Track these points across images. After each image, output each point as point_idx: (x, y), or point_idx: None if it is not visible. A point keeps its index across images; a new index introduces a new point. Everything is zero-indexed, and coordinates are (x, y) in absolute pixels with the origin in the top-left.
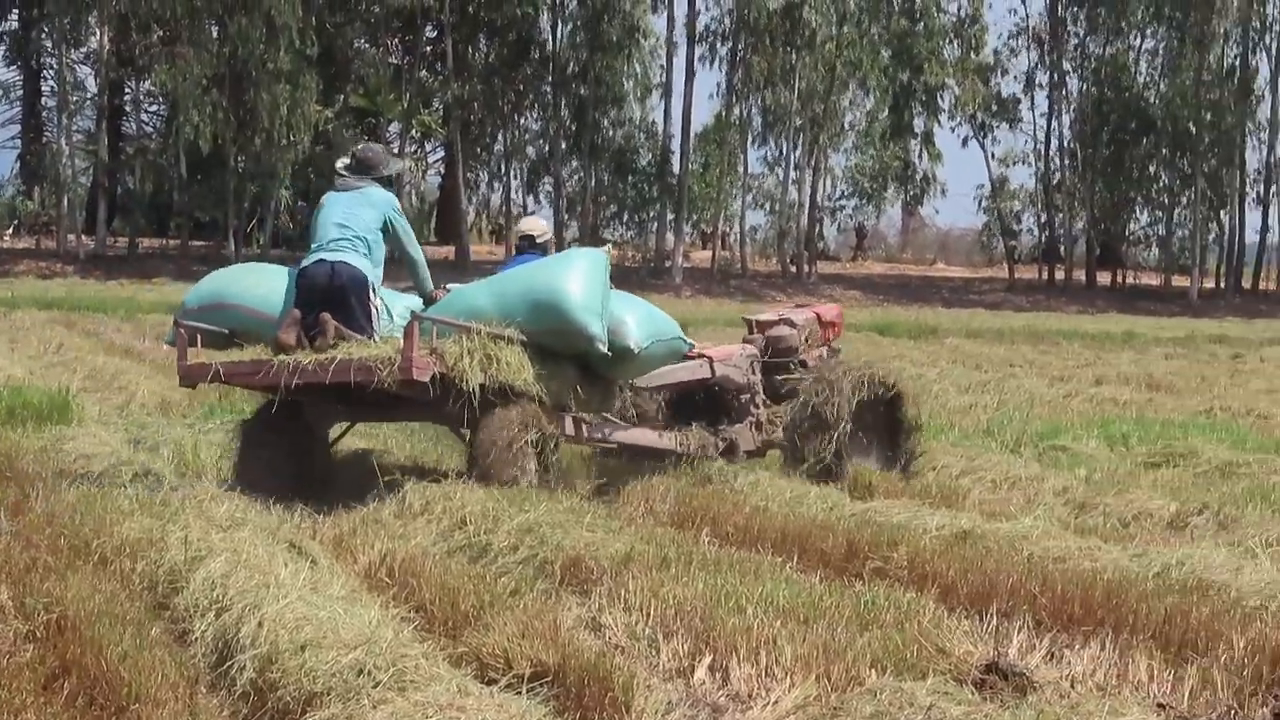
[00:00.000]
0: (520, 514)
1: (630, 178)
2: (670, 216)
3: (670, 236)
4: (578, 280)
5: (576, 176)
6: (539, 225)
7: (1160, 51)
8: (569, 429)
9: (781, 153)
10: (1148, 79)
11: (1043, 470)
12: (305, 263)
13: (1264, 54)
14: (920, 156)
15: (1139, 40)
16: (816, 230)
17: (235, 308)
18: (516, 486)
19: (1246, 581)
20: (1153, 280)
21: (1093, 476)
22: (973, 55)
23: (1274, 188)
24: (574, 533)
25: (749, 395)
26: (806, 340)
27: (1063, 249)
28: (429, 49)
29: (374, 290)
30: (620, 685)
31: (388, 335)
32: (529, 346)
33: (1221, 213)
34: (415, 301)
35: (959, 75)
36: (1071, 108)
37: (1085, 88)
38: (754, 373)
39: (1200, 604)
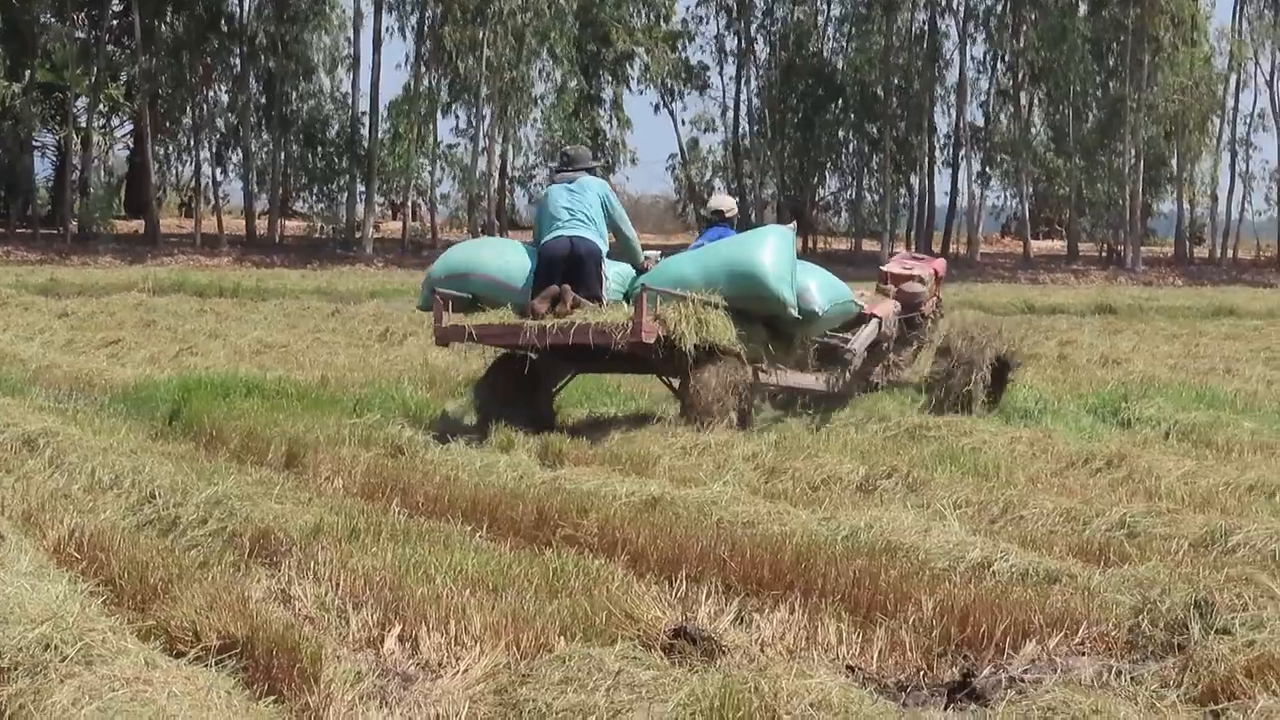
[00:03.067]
0: (209, 487)
1: (320, 149)
2: (360, 188)
3: (360, 208)
4: (771, 253)
5: (266, 149)
6: (727, 202)
7: (848, 17)
8: (751, 378)
9: (471, 123)
10: (836, 45)
11: (732, 435)
12: (545, 238)
13: (952, 18)
14: (610, 124)
15: (827, 6)
16: (507, 200)
17: (479, 277)
18: (716, 428)
19: (935, 543)
20: (843, 245)
21: (782, 441)
22: (662, 24)
23: (963, 151)
24: (263, 505)
25: (888, 343)
26: (929, 293)
27: (753, 214)
28: (116, 23)
29: (604, 260)
30: (309, 656)
31: (612, 299)
32: (729, 310)
33: (911, 177)
34: (626, 269)
35: (648, 43)
36: (760, 74)
37: (773, 54)
38: (894, 325)
39: (889, 566)
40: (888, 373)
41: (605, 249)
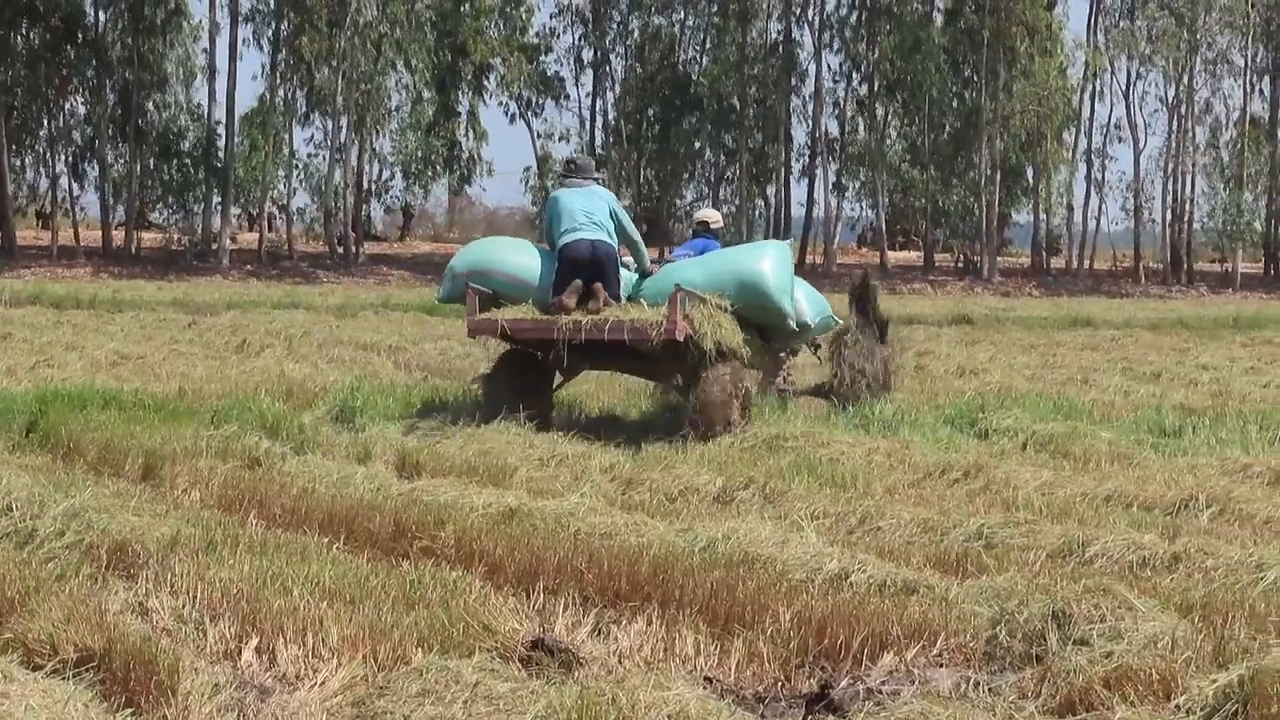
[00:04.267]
0: (67, 499)
1: (175, 160)
2: (217, 199)
3: (217, 219)
4: (773, 265)
5: (122, 160)
6: (714, 215)
7: (705, 28)
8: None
9: (326, 134)
10: (693, 55)
11: (590, 446)
12: (564, 241)
13: (808, 29)
14: (466, 136)
15: (683, 16)
16: (364, 211)
17: (499, 274)
18: (724, 432)
19: (792, 554)
20: None
21: (639, 452)
22: (519, 35)
23: (819, 162)
24: (120, 517)
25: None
26: None
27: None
28: None
29: (619, 263)
30: (166, 668)
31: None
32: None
33: (768, 187)
34: (630, 275)
35: (505, 54)
36: (616, 85)
37: (629, 65)
38: None
39: (747, 578)
40: (784, 380)
41: (618, 253)
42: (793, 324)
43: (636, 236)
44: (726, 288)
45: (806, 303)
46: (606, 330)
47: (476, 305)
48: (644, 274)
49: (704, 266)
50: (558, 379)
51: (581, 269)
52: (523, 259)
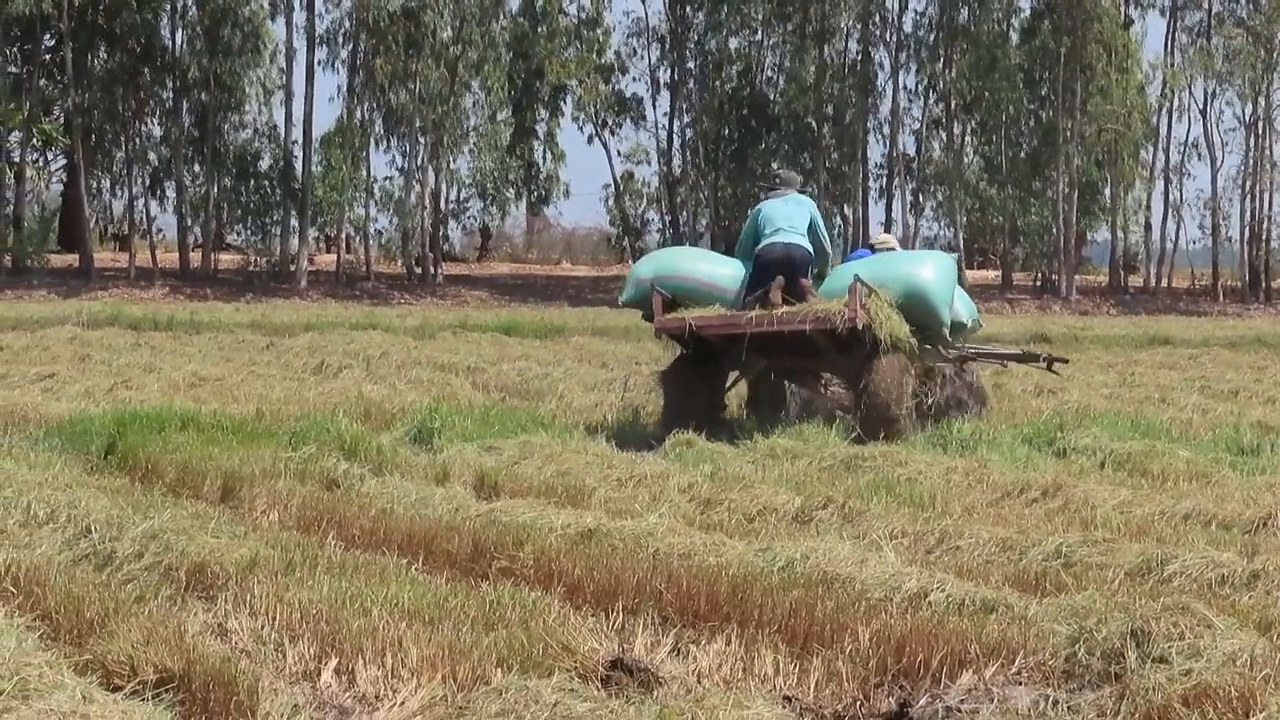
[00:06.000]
0: (145, 521)
1: (253, 182)
2: (294, 221)
3: (294, 240)
4: (937, 273)
5: (199, 182)
6: (888, 238)
7: (782, 48)
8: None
9: (404, 155)
10: (770, 75)
11: (668, 466)
12: (763, 244)
13: (884, 48)
14: (544, 157)
15: (761, 37)
16: (441, 232)
17: (684, 279)
18: (896, 425)
19: (871, 574)
20: None
21: (718, 472)
22: (595, 56)
23: (896, 181)
24: (199, 539)
25: None
26: None
27: (687, 246)
28: (48, 57)
29: (812, 268)
30: (245, 689)
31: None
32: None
33: (845, 207)
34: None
35: (581, 75)
36: (693, 106)
37: (707, 85)
38: None
39: (825, 597)
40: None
41: (813, 257)
42: (945, 330)
43: (828, 245)
44: (892, 289)
45: (963, 307)
46: (796, 321)
47: (662, 306)
48: (822, 276)
49: (871, 268)
50: (729, 379)
51: (775, 270)
52: (707, 265)
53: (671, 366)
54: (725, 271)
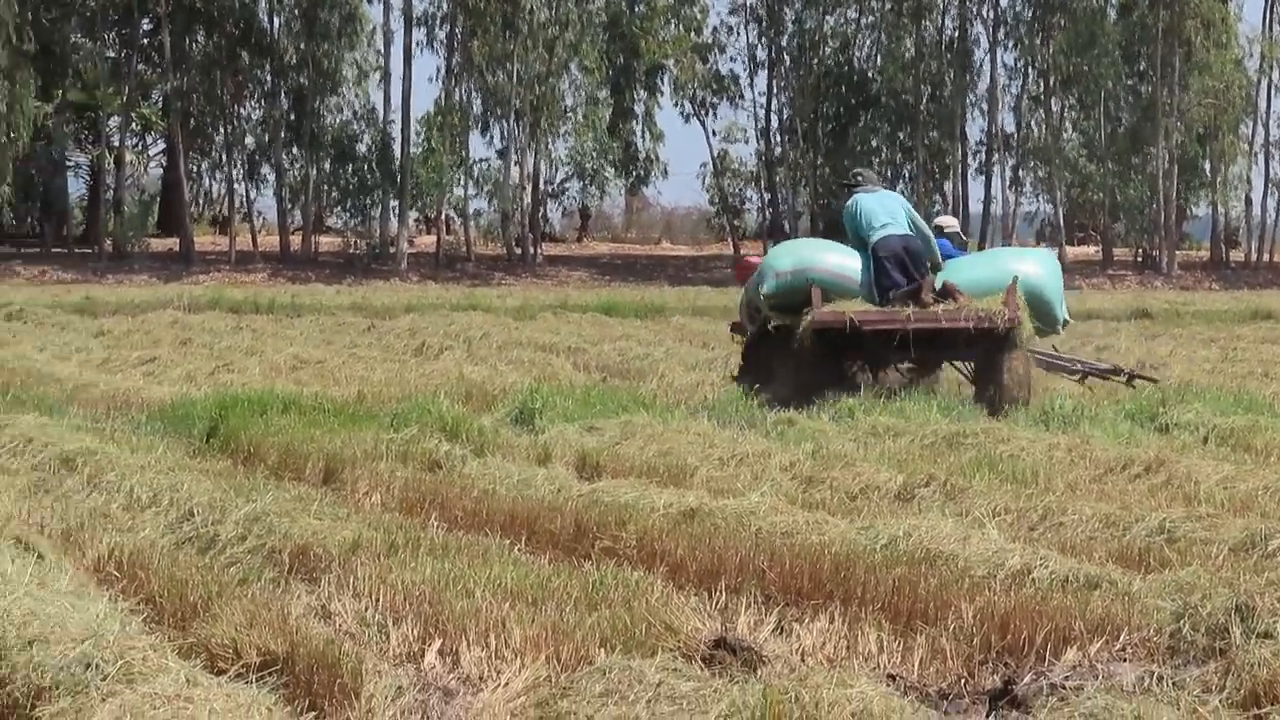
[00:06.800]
0: (248, 504)
1: (351, 164)
2: (393, 203)
3: (394, 222)
4: (1051, 272)
5: (298, 164)
6: (951, 221)
7: (879, 26)
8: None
9: (503, 136)
10: (867, 53)
11: (770, 445)
12: (876, 238)
13: (982, 25)
14: (642, 137)
15: (858, 14)
16: (540, 213)
17: (821, 271)
18: (1015, 405)
19: (974, 551)
20: None
21: (820, 451)
22: (692, 35)
23: (995, 158)
24: (301, 521)
25: None
26: None
27: (786, 225)
28: (146, 41)
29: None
30: (349, 671)
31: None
32: None
33: (945, 184)
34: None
35: (678, 54)
36: (791, 84)
37: (804, 63)
38: None
39: (928, 575)
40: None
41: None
42: (1060, 328)
43: (930, 234)
44: (1005, 285)
45: (1060, 303)
46: (960, 319)
47: (821, 300)
48: (936, 268)
49: (987, 266)
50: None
51: (896, 263)
52: (838, 257)
53: (793, 351)
54: (854, 264)
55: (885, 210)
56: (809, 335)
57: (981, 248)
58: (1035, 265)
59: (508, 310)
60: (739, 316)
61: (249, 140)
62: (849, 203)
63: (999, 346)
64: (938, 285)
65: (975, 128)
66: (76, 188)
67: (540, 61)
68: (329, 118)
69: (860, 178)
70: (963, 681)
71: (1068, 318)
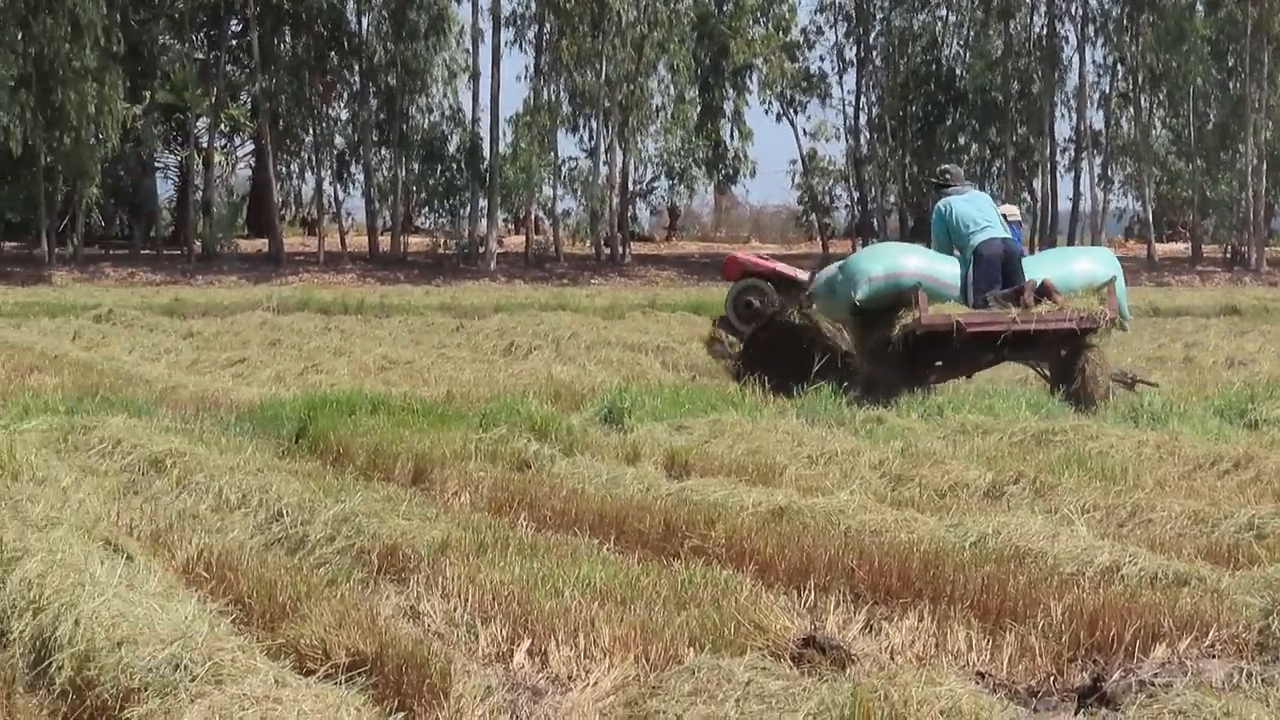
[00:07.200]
0: (336, 504)
1: (440, 165)
2: (482, 203)
3: (483, 222)
4: (1111, 269)
5: (387, 165)
6: (1013, 210)
7: (967, 24)
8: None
9: (592, 135)
10: (956, 51)
11: (859, 443)
12: (977, 241)
13: (1070, 23)
14: (731, 136)
15: (945, 12)
16: (629, 212)
17: (914, 275)
18: (1096, 404)
19: (1063, 548)
20: None
21: (909, 449)
22: (781, 35)
23: (1084, 155)
24: (390, 521)
25: None
26: None
27: (875, 223)
28: (235, 42)
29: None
30: (438, 671)
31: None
32: None
33: (1033, 182)
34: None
35: (766, 53)
36: (879, 82)
37: (892, 62)
38: None
39: (1017, 572)
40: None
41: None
42: (1127, 326)
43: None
44: (1077, 284)
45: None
46: (1063, 320)
47: (926, 303)
48: None
49: (1059, 265)
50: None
51: (999, 265)
52: (925, 261)
53: (876, 351)
54: (942, 268)
55: (980, 213)
56: (912, 337)
57: (1054, 244)
58: (1095, 263)
59: (596, 310)
60: (725, 313)
61: (338, 141)
62: (940, 205)
63: (1084, 345)
64: (1038, 285)
65: (1064, 125)
66: (165, 189)
67: (629, 61)
68: (418, 118)
69: (948, 175)
70: (1051, 679)
71: (1129, 316)
